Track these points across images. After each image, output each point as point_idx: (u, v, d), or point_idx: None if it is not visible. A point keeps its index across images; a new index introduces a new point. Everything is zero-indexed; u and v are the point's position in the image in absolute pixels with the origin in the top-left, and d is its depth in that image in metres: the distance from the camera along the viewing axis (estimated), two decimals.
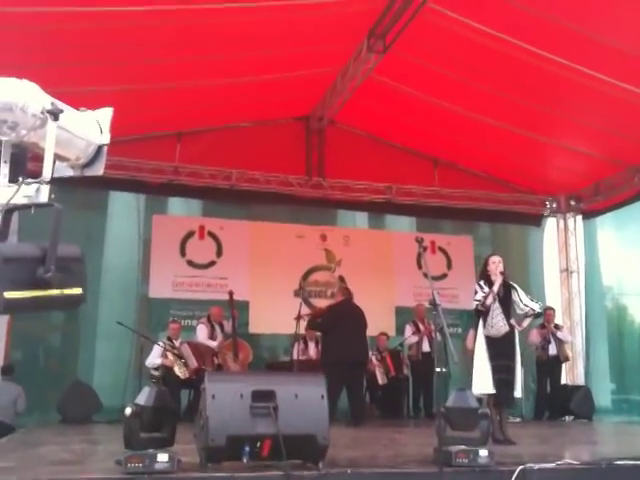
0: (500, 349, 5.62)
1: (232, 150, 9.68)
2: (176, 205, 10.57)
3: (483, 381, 5.55)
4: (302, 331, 8.69)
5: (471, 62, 7.63)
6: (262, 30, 6.91)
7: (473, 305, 5.78)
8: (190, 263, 9.92)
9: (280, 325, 9.16)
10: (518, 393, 5.72)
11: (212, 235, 10.13)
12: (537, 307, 5.81)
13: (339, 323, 7.85)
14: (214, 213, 10.51)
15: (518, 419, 8.99)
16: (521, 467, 3.60)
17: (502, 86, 8.00)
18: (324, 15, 6.95)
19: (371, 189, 10.49)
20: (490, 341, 5.63)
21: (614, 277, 10.72)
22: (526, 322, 5.89)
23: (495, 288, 5.66)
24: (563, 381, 10.19)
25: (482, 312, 5.69)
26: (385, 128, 10.15)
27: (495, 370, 5.54)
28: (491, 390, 5.51)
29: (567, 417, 9.37)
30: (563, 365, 10.02)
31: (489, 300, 5.62)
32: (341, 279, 10.47)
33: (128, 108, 6.78)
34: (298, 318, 8.52)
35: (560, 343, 9.71)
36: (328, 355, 7.92)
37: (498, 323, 5.63)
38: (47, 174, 1.96)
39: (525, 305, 5.72)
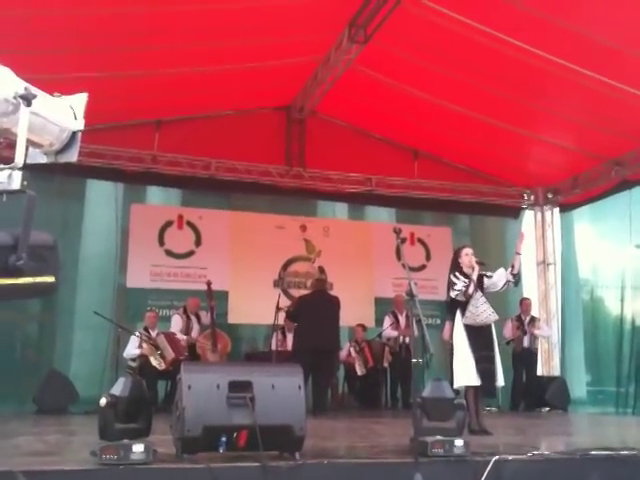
0: (481, 340, 5.61)
1: (212, 139, 9.62)
2: (154, 194, 10.47)
3: (467, 373, 5.54)
4: (281, 322, 8.68)
5: (453, 54, 7.64)
6: (243, 18, 6.85)
7: (452, 295, 5.75)
8: (168, 253, 9.87)
9: (259, 316, 9.14)
10: (501, 382, 5.71)
11: (191, 225, 10.07)
12: (507, 274, 5.86)
13: (308, 312, 7.99)
14: (193, 202, 10.42)
15: (494, 409, 9.07)
16: (496, 457, 3.62)
17: (483, 79, 8.01)
18: (305, 4, 6.92)
19: (351, 180, 10.50)
20: (470, 332, 5.62)
21: (590, 269, 10.82)
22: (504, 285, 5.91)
23: (474, 276, 5.68)
24: (539, 372, 10.29)
25: (461, 302, 5.70)
26: (366, 119, 10.14)
27: (478, 361, 5.53)
28: (476, 382, 5.49)
29: (543, 408, 9.46)
30: (539, 356, 10.13)
31: (471, 289, 5.63)
32: (321, 270, 10.48)
33: (107, 95, 6.74)
34: (277, 308, 8.50)
35: (534, 338, 9.83)
36: (297, 343, 8.16)
37: (486, 312, 5.61)
38: (19, 160, 1.93)
39: (499, 277, 5.82)
